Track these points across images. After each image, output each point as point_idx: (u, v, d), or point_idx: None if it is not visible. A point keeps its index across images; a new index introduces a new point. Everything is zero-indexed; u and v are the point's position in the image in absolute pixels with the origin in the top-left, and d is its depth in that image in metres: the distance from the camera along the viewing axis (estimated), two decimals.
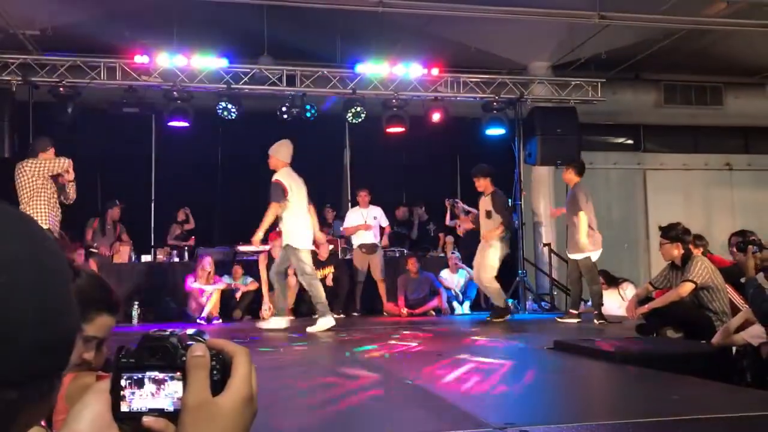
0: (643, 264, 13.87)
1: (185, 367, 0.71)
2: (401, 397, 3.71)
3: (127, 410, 0.71)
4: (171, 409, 0.70)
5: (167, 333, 0.73)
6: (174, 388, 0.71)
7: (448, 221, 11.28)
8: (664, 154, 14.58)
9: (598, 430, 2.69)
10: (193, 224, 11.31)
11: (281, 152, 7.81)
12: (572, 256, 8.33)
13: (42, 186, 7.00)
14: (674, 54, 11.68)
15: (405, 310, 9.68)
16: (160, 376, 0.71)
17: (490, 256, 8.34)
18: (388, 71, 10.59)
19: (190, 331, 0.76)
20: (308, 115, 10.73)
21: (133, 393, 0.71)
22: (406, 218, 11.93)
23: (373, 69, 10.58)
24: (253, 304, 9.64)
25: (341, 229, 10.51)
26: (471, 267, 10.12)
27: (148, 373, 0.71)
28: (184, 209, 11.26)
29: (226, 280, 9.42)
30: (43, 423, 1.44)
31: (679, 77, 13.32)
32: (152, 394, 0.71)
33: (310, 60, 10.87)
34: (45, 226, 6.25)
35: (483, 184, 8.56)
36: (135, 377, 0.71)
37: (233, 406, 0.69)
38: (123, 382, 0.71)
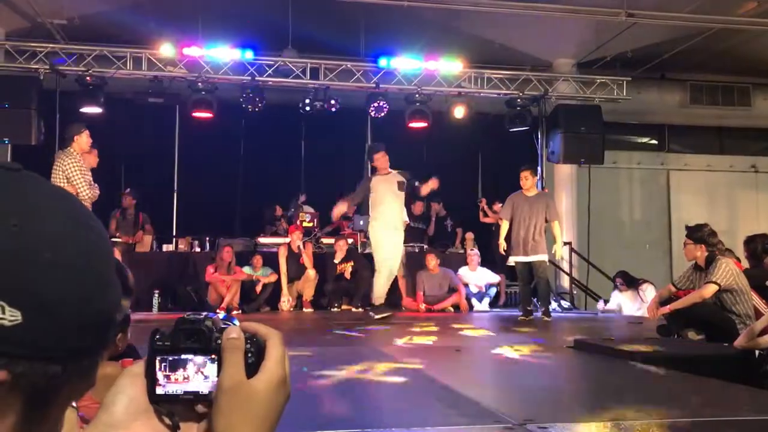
0: (665, 265, 13.74)
1: (220, 349, 0.71)
2: (420, 392, 3.72)
3: (163, 393, 0.71)
4: (206, 391, 0.71)
5: (202, 316, 0.74)
6: (209, 371, 0.71)
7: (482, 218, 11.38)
8: (689, 154, 14.42)
9: (618, 430, 2.68)
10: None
11: None
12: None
13: (68, 181, 7.25)
14: (701, 53, 11.54)
15: (423, 306, 9.67)
16: (195, 358, 0.71)
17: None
18: (411, 66, 10.57)
19: (221, 315, 0.77)
20: (333, 110, 10.78)
21: (168, 376, 0.71)
22: (423, 213, 11.92)
23: (397, 63, 10.56)
24: (272, 296, 9.68)
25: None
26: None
27: (183, 356, 0.71)
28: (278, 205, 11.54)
29: (246, 271, 9.47)
30: (74, 404, 1.46)
31: (705, 77, 13.16)
32: (187, 377, 0.71)
33: (334, 53, 10.88)
34: None
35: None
36: (170, 360, 0.71)
37: (268, 387, 0.70)
38: (158, 365, 0.72)
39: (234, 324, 0.75)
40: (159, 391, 0.71)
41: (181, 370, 0.71)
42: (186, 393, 0.71)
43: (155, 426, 0.72)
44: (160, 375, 0.71)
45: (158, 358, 0.72)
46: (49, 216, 0.55)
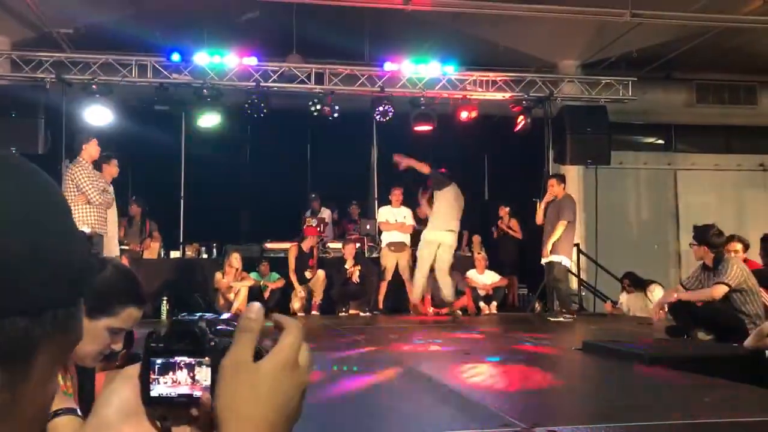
0: (673, 265, 13.68)
1: (214, 351, 0.70)
2: (428, 396, 3.71)
3: (156, 395, 0.70)
4: (199, 395, 0.70)
5: (196, 317, 0.72)
6: (201, 375, 0.70)
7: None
8: (696, 154, 14.35)
9: None
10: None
11: None
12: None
13: (78, 189, 7.39)
14: (707, 52, 11.48)
15: (431, 309, 9.65)
16: (189, 361, 0.70)
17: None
18: (415, 69, 10.58)
19: (225, 315, 0.76)
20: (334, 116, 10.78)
21: (161, 378, 0.70)
22: (428, 218, 11.91)
23: (401, 67, 10.57)
24: (280, 301, 9.68)
25: (379, 222, 10.53)
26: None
27: (176, 358, 0.70)
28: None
29: (253, 277, 9.48)
30: (79, 413, 1.46)
31: (711, 76, 13.09)
32: (177, 381, 0.70)
33: (339, 58, 10.89)
34: (86, 228, 6.59)
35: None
36: (164, 362, 0.70)
37: (274, 369, 0.67)
38: (152, 367, 0.71)
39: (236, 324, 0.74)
40: (153, 393, 0.70)
41: (172, 372, 0.70)
42: (180, 396, 0.70)
43: (145, 429, 0.71)
44: (153, 377, 0.70)
45: (152, 359, 0.71)
46: None
